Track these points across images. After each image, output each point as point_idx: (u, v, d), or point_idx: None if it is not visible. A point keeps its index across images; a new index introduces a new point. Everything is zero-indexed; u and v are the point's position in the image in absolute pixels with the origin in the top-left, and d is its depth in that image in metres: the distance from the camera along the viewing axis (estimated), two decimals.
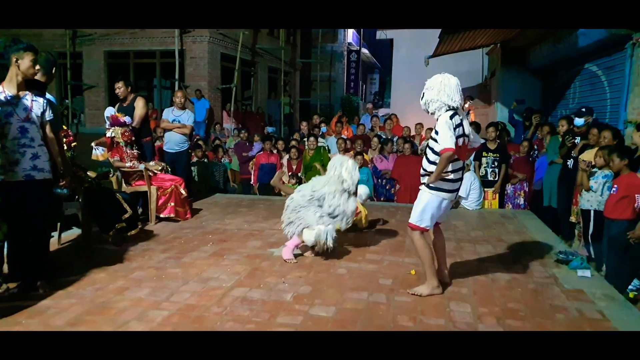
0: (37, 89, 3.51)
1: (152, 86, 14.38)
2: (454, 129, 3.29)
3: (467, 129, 3.45)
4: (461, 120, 3.39)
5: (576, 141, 5.76)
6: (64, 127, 4.55)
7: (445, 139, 3.26)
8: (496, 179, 6.90)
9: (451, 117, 3.31)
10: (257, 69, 15.78)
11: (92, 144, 5.87)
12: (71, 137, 4.46)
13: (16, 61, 3.33)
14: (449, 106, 3.35)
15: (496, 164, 6.88)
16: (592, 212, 4.91)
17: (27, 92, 3.43)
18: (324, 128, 9.63)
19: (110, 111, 5.69)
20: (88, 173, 4.83)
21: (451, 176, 3.41)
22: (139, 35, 13.04)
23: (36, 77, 3.58)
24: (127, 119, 5.54)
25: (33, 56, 3.37)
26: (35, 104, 3.44)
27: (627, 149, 4.81)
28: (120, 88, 6.00)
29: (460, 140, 3.37)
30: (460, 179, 3.54)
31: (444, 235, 3.81)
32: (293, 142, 8.71)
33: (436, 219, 3.58)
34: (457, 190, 3.55)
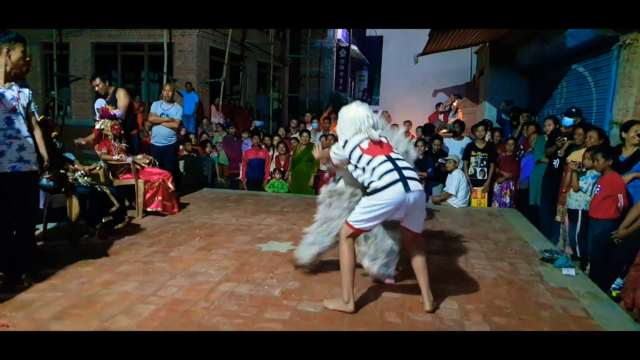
0: None
1: (139, 79, 14.25)
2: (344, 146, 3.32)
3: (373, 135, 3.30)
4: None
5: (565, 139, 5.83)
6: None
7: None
8: (485, 177, 6.96)
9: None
10: (246, 64, 15.70)
11: (76, 141, 5.83)
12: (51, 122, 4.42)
13: (7, 52, 3.28)
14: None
15: (485, 162, 6.94)
16: (580, 212, 4.97)
17: (14, 82, 3.38)
18: (315, 124, 9.63)
19: (100, 103, 5.63)
20: (76, 166, 4.79)
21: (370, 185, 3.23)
22: (127, 28, 12.89)
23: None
24: (117, 112, 5.48)
25: (23, 47, 3.33)
26: (22, 95, 3.39)
27: (612, 150, 4.88)
28: (98, 85, 5.86)
29: (365, 144, 3.28)
30: (390, 171, 3.11)
31: (423, 251, 3.32)
32: (276, 138, 8.71)
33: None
34: (397, 182, 3.06)
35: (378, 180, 3.07)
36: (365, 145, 3.22)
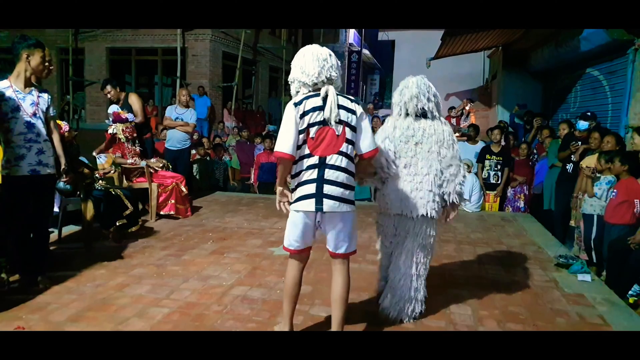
0: None
1: (153, 83, 14.39)
2: (301, 117, 2.54)
3: (329, 113, 2.55)
4: (318, 106, 2.56)
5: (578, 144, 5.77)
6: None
7: (278, 140, 2.59)
8: (498, 182, 6.90)
9: (296, 105, 2.56)
10: (259, 68, 15.81)
11: (94, 154, 5.85)
12: (62, 130, 4.46)
13: (27, 58, 3.33)
14: (303, 83, 2.61)
15: (499, 167, 6.88)
16: (595, 217, 4.91)
17: (33, 87, 3.44)
18: None
19: (113, 108, 5.70)
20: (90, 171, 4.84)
21: (293, 181, 2.66)
22: (141, 33, 13.06)
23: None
24: (129, 115, 5.55)
25: (42, 52, 3.39)
26: (41, 100, 3.45)
27: (630, 155, 4.81)
28: (110, 92, 5.88)
29: (313, 130, 2.55)
30: (312, 181, 2.58)
31: (343, 276, 2.75)
32: None
33: (302, 240, 2.71)
34: (312, 196, 2.57)
35: (297, 188, 2.63)
36: (313, 131, 2.56)
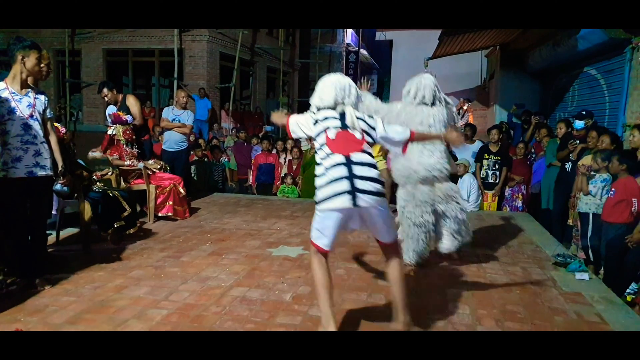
0: None
1: (150, 85, 14.37)
2: (315, 123, 2.79)
3: (351, 120, 2.74)
4: (335, 116, 2.78)
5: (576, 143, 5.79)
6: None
7: (293, 123, 2.91)
8: (497, 181, 6.90)
9: (314, 118, 2.84)
10: (256, 69, 15.79)
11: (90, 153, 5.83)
12: (60, 134, 4.46)
13: (22, 59, 3.34)
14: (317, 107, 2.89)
15: (497, 166, 6.88)
16: (590, 215, 4.93)
17: (30, 89, 3.44)
18: None
19: (112, 109, 5.69)
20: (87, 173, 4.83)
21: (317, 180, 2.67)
22: (138, 34, 13.04)
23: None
24: (128, 117, 5.54)
25: (38, 54, 3.39)
26: (38, 101, 3.45)
27: (628, 154, 4.82)
28: (107, 95, 5.83)
29: (333, 132, 2.70)
30: (342, 179, 2.56)
31: (399, 258, 2.89)
32: (290, 142, 8.63)
33: (334, 239, 2.72)
34: (346, 193, 2.54)
35: (325, 187, 2.59)
36: (332, 134, 2.69)
